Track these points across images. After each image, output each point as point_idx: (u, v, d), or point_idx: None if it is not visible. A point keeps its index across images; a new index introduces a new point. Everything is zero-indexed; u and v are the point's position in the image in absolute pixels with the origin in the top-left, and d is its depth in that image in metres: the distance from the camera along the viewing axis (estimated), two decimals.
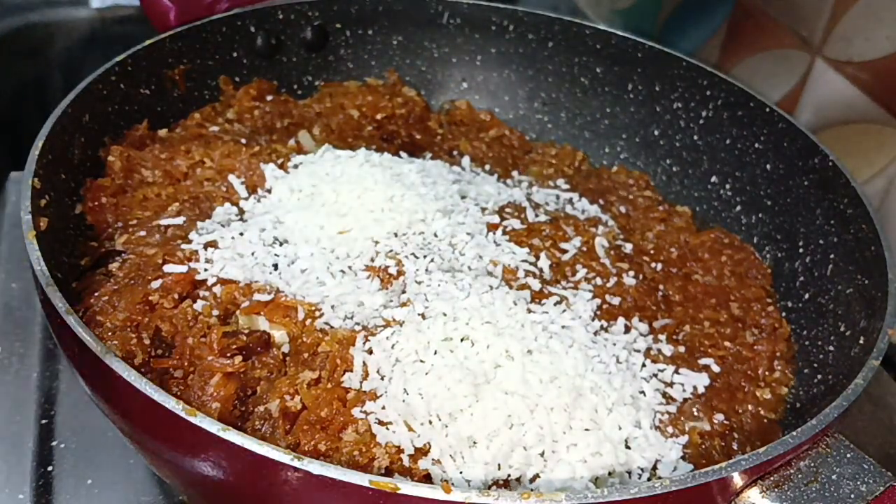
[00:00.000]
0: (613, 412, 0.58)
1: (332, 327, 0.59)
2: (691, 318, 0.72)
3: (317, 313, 0.60)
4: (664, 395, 0.63)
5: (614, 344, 0.64)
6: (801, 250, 0.76)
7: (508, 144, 0.95)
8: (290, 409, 0.54)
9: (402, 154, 0.84)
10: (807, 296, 0.73)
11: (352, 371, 0.56)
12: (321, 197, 0.70)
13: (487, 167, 0.88)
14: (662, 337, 0.68)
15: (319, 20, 0.92)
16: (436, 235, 0.69)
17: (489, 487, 0.52)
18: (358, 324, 0.60)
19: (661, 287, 0.74)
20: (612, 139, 0.96)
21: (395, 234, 0.68)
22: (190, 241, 0.64)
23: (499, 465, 0.53)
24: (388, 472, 0.51)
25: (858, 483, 0.48)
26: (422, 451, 0.53)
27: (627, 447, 0.57)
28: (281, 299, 0.60)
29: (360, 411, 0.54)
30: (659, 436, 0.59)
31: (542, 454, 0.54)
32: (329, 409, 0.54)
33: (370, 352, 0.57)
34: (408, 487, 0.41)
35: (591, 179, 0.91)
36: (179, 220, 0.66)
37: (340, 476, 0.41)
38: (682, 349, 0.68)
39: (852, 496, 0.47)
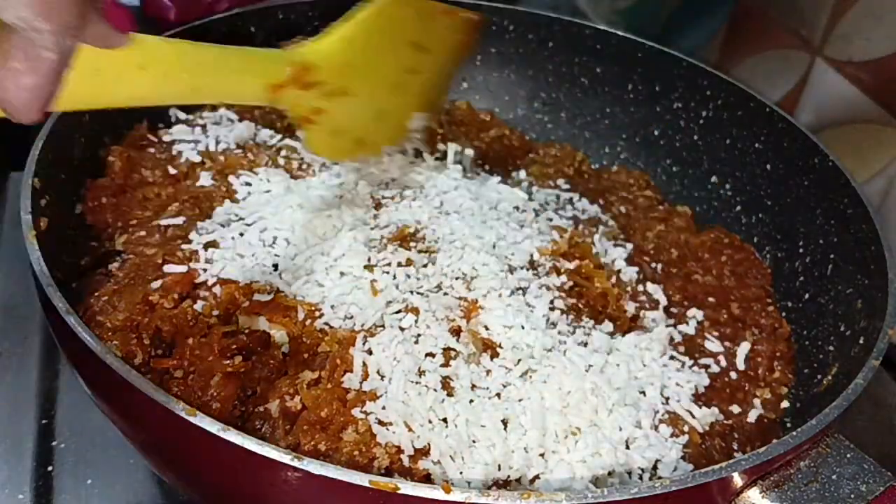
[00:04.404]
0: (614, 413, 0.58)
1: (332, 327, 0.59)
2: (691, 318, 0.72)
3: (317, 313, 0.60)
4: (664, 394, 0.63)
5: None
6: (801, 250, 0.76)
7: (508, 144, 0.95)
8: (290, 409, 0.54)
9: None
10: (807, 296, 0.73)
11: (352, 371, 0.56)
12: (322, 198, 0.70)
13: (487, 167, 0.88)
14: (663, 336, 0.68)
15: (319, 20, 0.92)
16: (437, 241, 0.69)
17: (489, 488, 0.52)
18: (360, 324, 0.60)
19: (661, 287, 0.74)
20: (612, 139, 0.96)
21: (396, 236, 0.69)
22: (190, 241, 0.64)
23: (499, 465, 0.53)
24: (388, 472, 0.51)
25: (858, 483, 0.48)
26: (422, 452, 0.53)
27: (627, 447, 0.57)
28: (281, 299, 0.60)
29: (360, 411, 0.54)
30: (659, 436, 0.59)
31: (542, 455, 0.55)
32: (329, 409, 0.54)
33: (370, 352, 0.57)
34: (408, 487, 0.41)
35: (591, 179, 0.91)
36: (179, 220, 0.66)
37: (340, 476, 0.41)
38: (681, 349, 0.68)
39: (852, 496, 0.47)
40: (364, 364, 0.57)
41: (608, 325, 0.66)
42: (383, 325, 0.60)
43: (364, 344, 0.58)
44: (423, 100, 0.73)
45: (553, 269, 0.68)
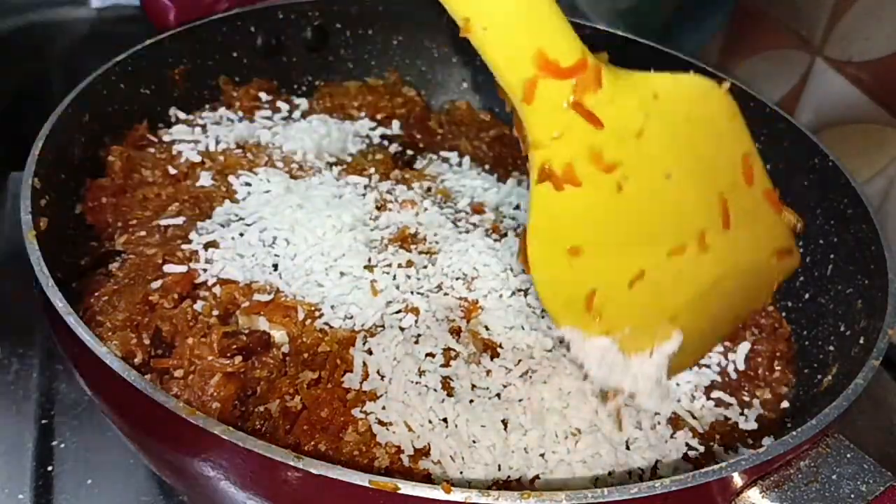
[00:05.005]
0: (614, 413, 0.58)
1: (332, 327, 0.59)
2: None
3: (317, 313, 0.60)
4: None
5: None
6: (801, 250, 0.75)
7: (508, 144, 0.94)
8: (291, 409, 0.54)
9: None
10: (807, 296, 0.73)
11: (352, 371, 0.56)
12: (322, 198, 0.70)
13: (487, 167, 0.88)
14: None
15: (319, 20, 0.92)
16: (437, 242, 0.69)
17: (489, 488, 0.52)
18: (360, 324, 0.60)
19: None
20: None
21: (397, 237, 0.69)
22: (190, 241, 0.64)
23: (499, 465, 0.53)
24: (388, 472, 0.51)
25: (858, 483, 0.48)
26: (422, 452, 0.53)
27: (627, 448, 0.57)
28: (281, 299, 0.60)
29: (360, 411, 0.54)
30: (659, 436, 0.59)
31: (542, 455, 0.55)
32: (329, 409, 0.54)
33: (370, 352, 0.57)
34: (408, 487, 0.41)
35: None
36: (179, 220, 0.66)
37: (340, 476, 0.41)
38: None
39: (852, 496, 0.47)
40: (364, 364, 0.57)
41: None
42: (383, 326, 0.60)
43: (364, 344, 0.58)
44: (700, 305, 0.50)
45: None
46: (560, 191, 0.44)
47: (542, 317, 0.64)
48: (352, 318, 0.60)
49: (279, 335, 0.59)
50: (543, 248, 0.46)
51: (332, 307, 0.61)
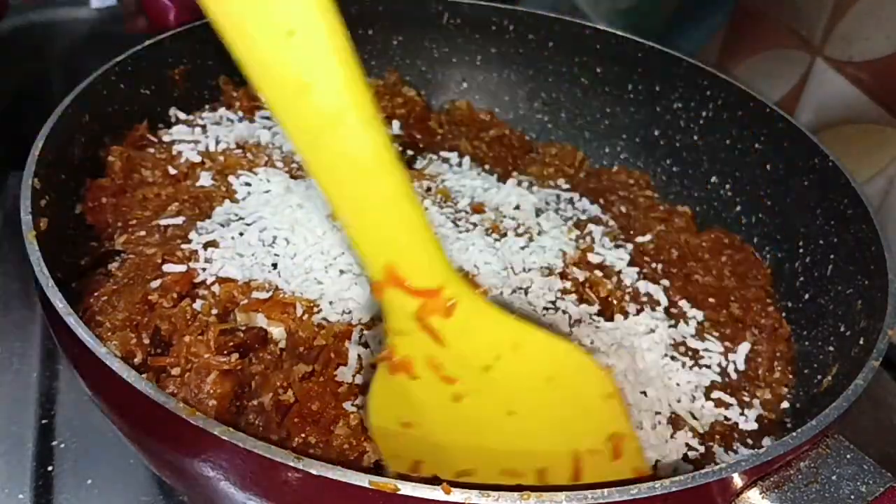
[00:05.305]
0: None
1: (329, 322, 0.59)
2: (691, 318, 0.72)
3: (315, 309, 0.60)
4: (664, 395, 0.63)
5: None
6: (801, 250, 0.76)
7: (508, 144, 0.95)
8: (283, 402, 0.54)
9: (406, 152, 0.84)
10: (807, 296, 0.73)
11: (346, 365, 0.56)
12: (322, 198, 0.70)
13: (487, 167, 0.89)
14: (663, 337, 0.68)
15: None
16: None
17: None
18: (357, 319, 0.60)
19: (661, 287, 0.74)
20: (612, 139, 0.96)
21: None
22: (189, 241, 0.64)
23: None
24: (379, 466, 0.51)
25: (858, 484, 0.48)
26: None
27: None
28: (279, 296, 0.60)
29: (352, 405, 0.54)
30: (659, 436, 0.59)
31: None
32: (321, 402, 0.54)
33: (366, 345, 0.57)
34: (408, 488, 0.41)
35: (591, 179, 0.91)
36: (179, 220, 0.66)
37: (340, 477, 0.41)
38: (682, 349, 0.68)
39: (852, 497, 0.47)
40: (359, 357, 0.57)
41: (609, 326, 0.66)
42: (381, 320, 0.60)
43: (360, 337, 0.58)
44: None
45: (559, 274, 0.68)
46: (394, 375, 0.44)
47: (543, 315, 0.64)
48: (349, 312, 0.60)
49: (277, 331, 0.59)
50: (378, 415, 0.47)
51: (331, 303, 0.61)
